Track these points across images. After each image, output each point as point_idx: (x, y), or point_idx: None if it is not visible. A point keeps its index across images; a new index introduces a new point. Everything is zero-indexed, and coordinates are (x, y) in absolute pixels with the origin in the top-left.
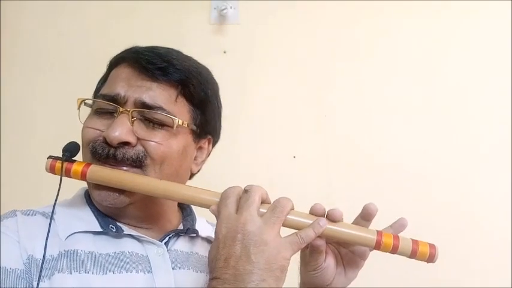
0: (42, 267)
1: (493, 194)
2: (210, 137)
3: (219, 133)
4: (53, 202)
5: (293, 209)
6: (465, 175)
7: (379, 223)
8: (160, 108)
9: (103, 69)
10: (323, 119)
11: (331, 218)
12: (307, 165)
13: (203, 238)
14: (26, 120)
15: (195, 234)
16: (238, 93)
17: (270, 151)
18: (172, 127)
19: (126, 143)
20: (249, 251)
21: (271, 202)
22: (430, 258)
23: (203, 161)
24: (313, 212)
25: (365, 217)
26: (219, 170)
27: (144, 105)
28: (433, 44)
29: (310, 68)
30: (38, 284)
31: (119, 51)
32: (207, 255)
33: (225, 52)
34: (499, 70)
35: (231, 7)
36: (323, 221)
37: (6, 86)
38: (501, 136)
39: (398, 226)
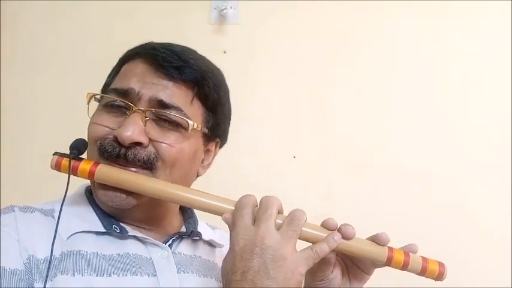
0: (49, 268)
1: (493, 194)
2: (218, 140)
3: (227, 136)
4: (52, 199)
5: (306, 220)
6: (465, 175)
7: (379, 223)
8: (177, 109)
9: (103, 69)
10: (323, 119)
11: (344, 234)
12: (307, 165)
13: (205, 241)
14: (26, 120)
15: (198, 237)
16: (238, 94)
17: (270, 151)
18: (186, 130)
19: (137, 144)
20: (267, 265)
21: (284, 212)
22: (439, 276)
23: (209, 164)
24: (325, 227)
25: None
26: (219, 170)
27: (160, 104)
28: (433, 44)
29: (310, 67)
30: (45, 285)
31: (118, 51)
32: (210, 259)
33: (225, 52)
34: (499, 70)
35: (231, 7)
36: (337, 236)
37: (6, 86)
38: (501, 136)
39: (408, 250)
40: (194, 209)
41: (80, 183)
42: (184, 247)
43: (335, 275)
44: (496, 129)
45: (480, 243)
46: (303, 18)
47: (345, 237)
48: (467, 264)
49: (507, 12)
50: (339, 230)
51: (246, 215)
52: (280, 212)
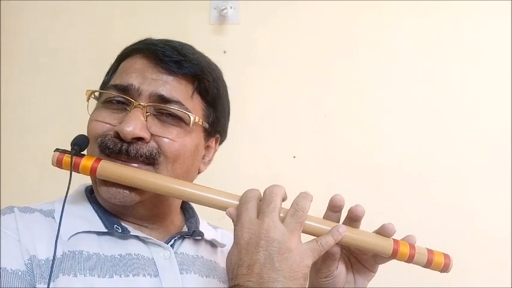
0: (52, 269)
1: (493, 194)
2: (218, 135)
3: (227, 132)
4: (51, 199)
5: (311, 200)
6: (465, 175)
7: (378, 223)
8: (178, 103)
9: (103, 69)
10: (323, 119)
11: (354, 214)
12: (307, 165)
13: (207, 241)
14: (26, 120)
15: (200, 237)
16: (238, 93)
17: (270, 151)
18: (188, 124)
19: (139, 139)
20: (273, 258)
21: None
22: (445, 268)
23: (210, 161)
24: (333, 203)
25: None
26: (219, 170)
27: (160, 98)
28: (434, 44)
29: (310, 68)
30: (48, 285)
31: (118, 51)
32: (212, 259)
33: (225, 52)
34: (499, 70)
35: (231, 7)
36: (342, 228)
37: (6, 86)
38: (501, 136)
39: (407, 241)
40: (195, 209)
41: (80, 182)
42: (186, 247)
43: (340, 271)
44: (496, 129)
45: (480, 243)
46: (303, 18)
47: (354, 215)
48: (467, 264)
49: (507, 12)
50: (348, 212)
51: (251, 208)
52: (284, 199)
